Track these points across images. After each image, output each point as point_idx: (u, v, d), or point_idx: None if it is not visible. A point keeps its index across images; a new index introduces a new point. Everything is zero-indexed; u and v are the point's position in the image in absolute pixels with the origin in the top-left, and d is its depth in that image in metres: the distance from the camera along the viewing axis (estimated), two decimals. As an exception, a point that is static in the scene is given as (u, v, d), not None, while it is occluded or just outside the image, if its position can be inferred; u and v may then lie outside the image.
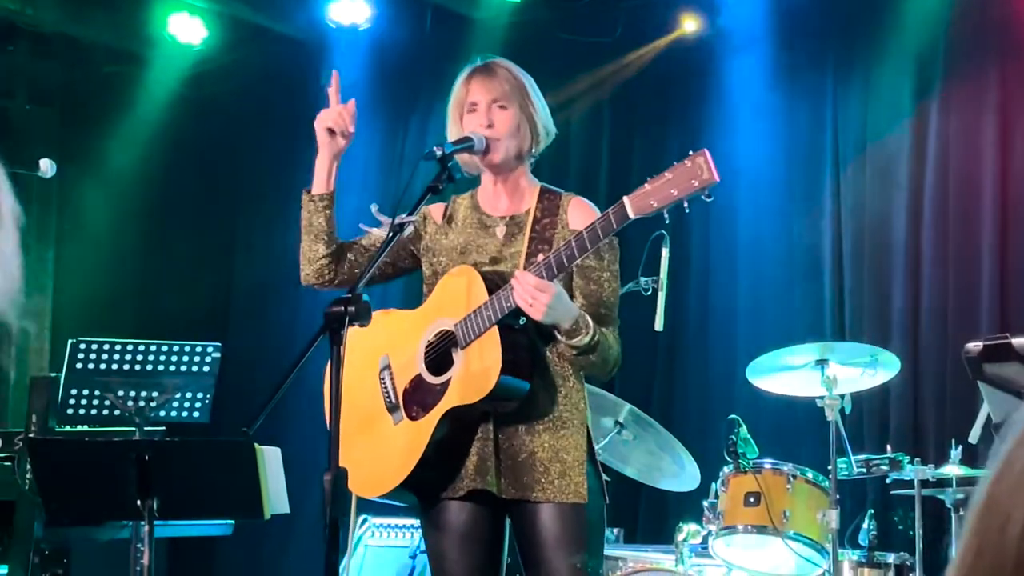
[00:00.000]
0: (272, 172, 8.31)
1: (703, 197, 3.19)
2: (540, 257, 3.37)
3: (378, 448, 3.58)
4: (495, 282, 3.46)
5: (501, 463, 3.47)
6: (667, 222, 3.24)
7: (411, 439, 3.52)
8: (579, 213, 3.58)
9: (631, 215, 3.23)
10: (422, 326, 3.58)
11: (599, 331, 3.45)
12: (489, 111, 3.58)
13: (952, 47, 6.43)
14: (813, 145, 6.80)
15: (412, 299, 3.75)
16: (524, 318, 3.40)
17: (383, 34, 7.71)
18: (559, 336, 3.42)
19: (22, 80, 7.96)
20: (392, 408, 3.60)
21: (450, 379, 3.48)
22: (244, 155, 8.34)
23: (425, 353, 3.55)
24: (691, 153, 3.17)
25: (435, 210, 3.72)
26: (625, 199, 3.24)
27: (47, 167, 5.28)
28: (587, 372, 3.57)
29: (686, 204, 3.19)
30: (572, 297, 3.51)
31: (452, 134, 3.63)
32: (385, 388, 3.63)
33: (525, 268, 3.44)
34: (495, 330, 3.40)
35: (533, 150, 3.65)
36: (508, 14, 7.31)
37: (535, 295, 3.29)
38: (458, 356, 3.47)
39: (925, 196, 6.43)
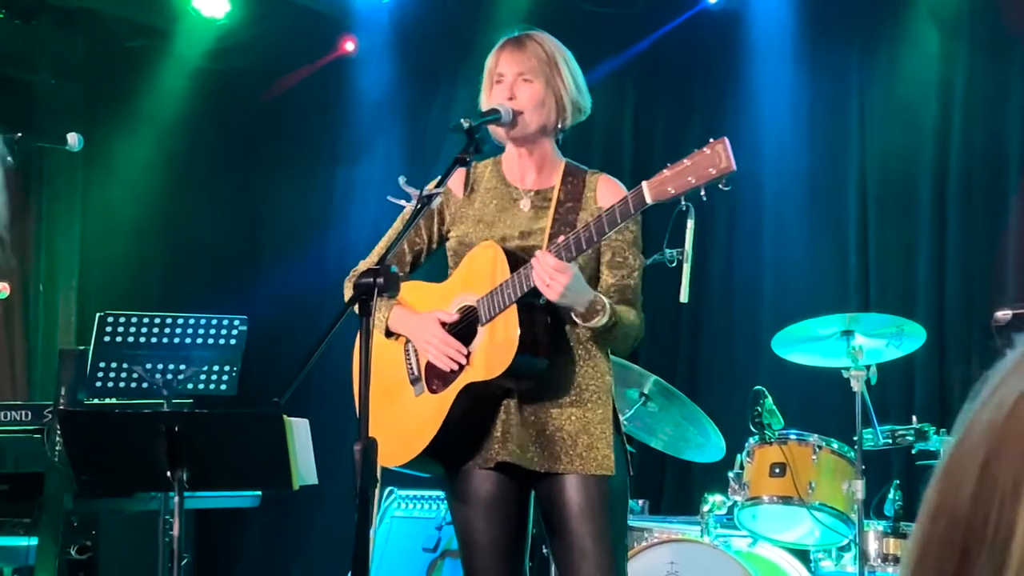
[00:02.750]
0: (296, 144, 8.33)
1: (720, 186, 3.21)
2: (560, 238, 3.39)
3: (399, 419, 3.61)
4: (518, 259, 3.48)
5: (529, 436, 3.50)
6: (684, 208, 3.28)
7: (430, 412, 3.55)
8: (607, 190, 3.61)
9: (648, 200, 3.27)
10: (448, 299, 3.61)
11: (616, 312, 3.47)
12: (514, 84, 3.59)
13: (978, 13, 6.40)
14: (838, 115, 6.77)
15: (436, 272, 3.76)
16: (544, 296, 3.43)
17: (406, 5, 7.71)
18: (575, 318, 3.44)
19: (47, 54, 7.98)
20: (414, 380, 3.63)
21: (470, 354, 3.50)
22: (268, 127, 8.36)
23: (449, 327, 3.58)
24: (711, 140, 3.19)
25: (454, 184, 3.71)
26: (644, 184, 3.27)
27: (75, 141, 5.31)
28: (608, 348, 3.60)
29: (703, 191, 3.21)
30: (599, 273, 3.55)
31: (483, 104, 3.66)
32: (409, 360, 3.66)
33: (547, 248, 3.46)
34: (515, 308, 3.42)
35: (560, 125, 3.66)
36: (533, -15, 7.29)
37: (553, 276, 3.32)
38: (480, 332, 3.50)
39: (951, 166, 6.40)
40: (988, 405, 0.78)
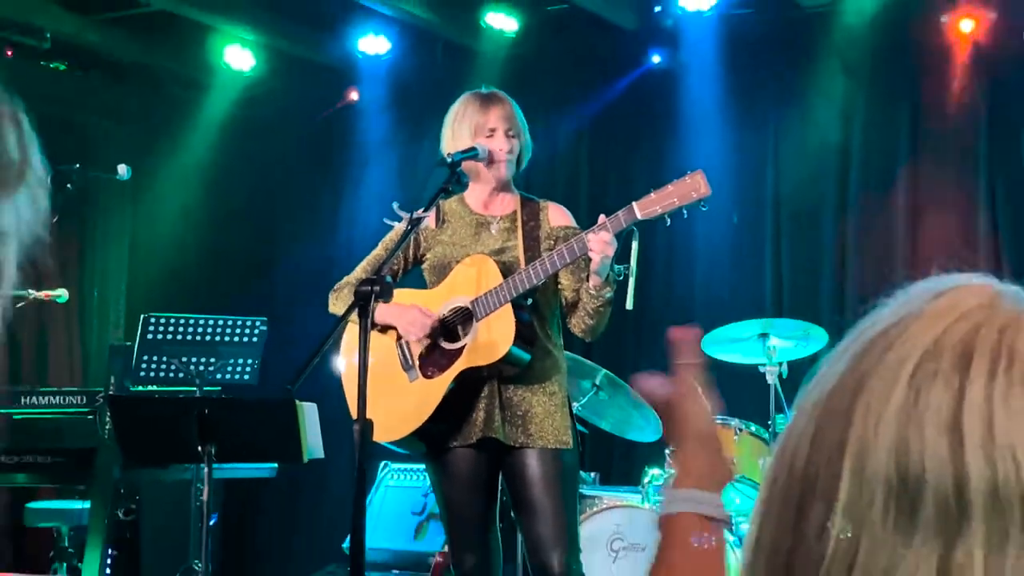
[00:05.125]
0: (309, 176, 8.29)
1: (700, 207, 3.33)
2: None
3: (394, 401, 3.60)
4: (502, 271, 3.53)
5: (505, 416, 3.51)
6: (668, 224, 3.35)
7: (426, 394, 3.54)
8: (558, 213, 3.72)
9: (639, 215, 3.38)
10: (437, 302, 3.62)
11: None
12: (507, 138, 3.63)
13: (879, 63, 6.43)
14: (758, 155, 6.79)
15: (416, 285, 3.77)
16: (531, 299, 3.47)
17: (401, 61, 7.69)
18: (593, 288, 3.42)
19: (102, 101, 7.93)
20: (408, 368, 3.62)
21: (464, 346, 3.51)
22: (287, 163, 8.31)
23: (441, 321, 3.59)
24: (689, 172, 3.32)
25: (429, 218, 3.74)
26: (633, 204, 3.41)
27: (124, 170, 5.29)
28: (590, 326, 3.57)
29: (685, 212, 3.31)
30: (560, 289, 3.59)
31: (458, 147, 3.64)
32: (403, 351, 3.65)
33: (526, 263, 3.53)
34: (509, 307, 3.45)
35: (520, 170, 3.75)
36: (506, 47, 7.27)
37: (608, 246, 3.38)
38: (472, 327, 3.51)
39: (850, 196, 6.45)
40: (812, 392, 0.83)
